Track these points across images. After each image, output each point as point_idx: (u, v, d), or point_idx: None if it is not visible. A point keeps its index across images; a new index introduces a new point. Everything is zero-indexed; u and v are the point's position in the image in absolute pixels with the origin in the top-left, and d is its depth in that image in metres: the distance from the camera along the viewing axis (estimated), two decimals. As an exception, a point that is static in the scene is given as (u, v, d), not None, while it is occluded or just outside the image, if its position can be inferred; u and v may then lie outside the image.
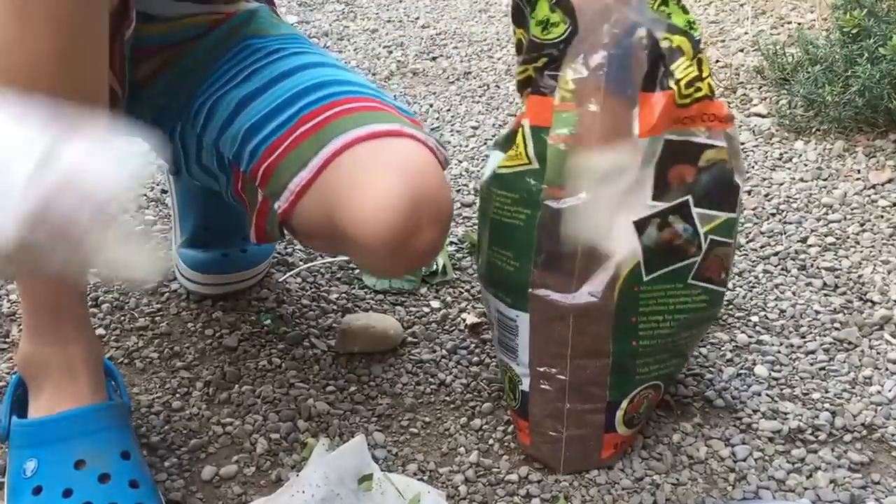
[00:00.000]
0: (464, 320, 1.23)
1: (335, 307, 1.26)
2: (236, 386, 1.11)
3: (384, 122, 0.91)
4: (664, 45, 0.91)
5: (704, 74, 0.93)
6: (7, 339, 1.18)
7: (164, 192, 1.52)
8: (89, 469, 0.89)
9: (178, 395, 1.10)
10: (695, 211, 0.93)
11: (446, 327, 1.22)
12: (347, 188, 0.87)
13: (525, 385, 0.99)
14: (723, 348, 1.18)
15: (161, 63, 1.06)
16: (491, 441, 1.04)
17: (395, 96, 1.92)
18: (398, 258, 0.87)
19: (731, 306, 1.25)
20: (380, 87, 1.03)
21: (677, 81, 0.90)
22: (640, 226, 0.92)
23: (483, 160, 1.65)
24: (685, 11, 0.94)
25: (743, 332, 1.21)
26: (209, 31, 1.06)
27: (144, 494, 0.89)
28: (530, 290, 0.95)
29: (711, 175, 0.94)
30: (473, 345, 1.19)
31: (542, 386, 0.98)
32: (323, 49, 1.09)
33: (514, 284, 0.97)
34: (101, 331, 1.19)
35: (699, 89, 0.92)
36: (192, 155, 1.06)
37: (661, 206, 0.92)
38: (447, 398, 1.10)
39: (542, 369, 0.97)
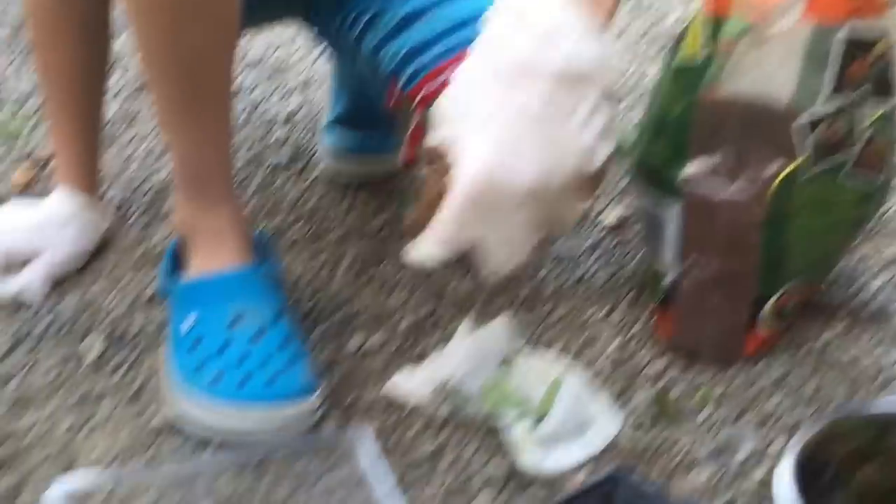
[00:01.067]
0: (604, 219, 1.22)
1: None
2: (381, 266, 1.13)
3: None
4: None
5: None
6: (162, 210, 1.23)
7: (306, 83, 1.54)
8: (244, 326, 0.93)
9: (324, 272, 1.13)
10: (864, 105, 0.90)
11: (586, 225, 1.22)
12: None
13: (670, 278, 0.98)
14: (874, 259, 1.15)
15: None
16: (631, 333, 1.04)
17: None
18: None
19: (883, 218, 1.21)
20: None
21: None
22: (813, 126, 0.90)
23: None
24: None
25: None
26: None
27: (296, 353, 0.92)
28: (681, 182, 0.94)
29: (879, 67, 0.91)
30: (614, 244, 1.19)
31: (688, 280, 0.97)
32: None
33: (665, 177, 0.96)
34: (248, 209, 1.23)
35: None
36: (347, 55, 1.07)
37: (835, 104, 0.90)
38: (587, 290, 1.11)
39: (688, 262, 0.96)
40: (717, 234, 0.94)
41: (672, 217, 0.96)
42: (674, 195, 0.95)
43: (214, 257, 0.97)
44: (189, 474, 0.67)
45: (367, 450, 0.72)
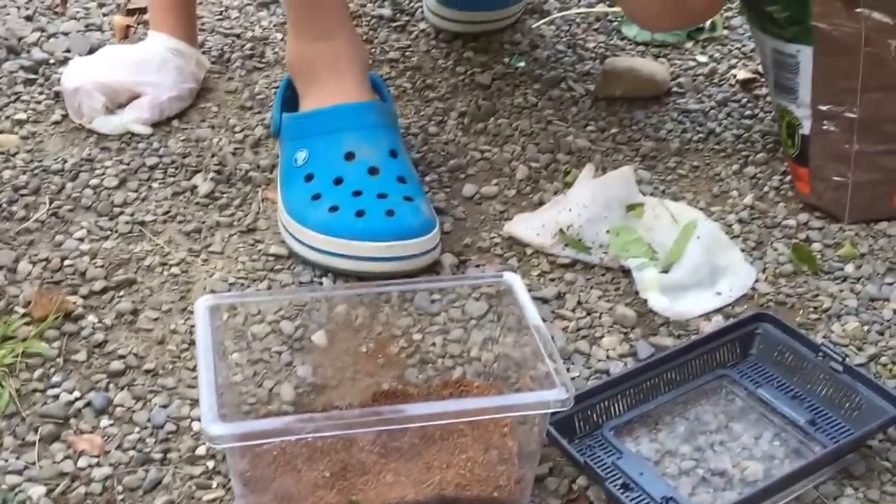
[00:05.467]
0: (734, 76, 1.15)
1: (593, 55, 1.19)
2: (492, 119, 1.08)
3: None
4: None
5: None
6: (263, 60, 1.18)
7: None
8: (359, 161, 0.88)
9: (433, 123, 1.08)
10: None
11: (715, 80, 1.15)
12: None
13: (806, 128, 0.92)
14: None
15: None
16: (766, 189, 0.98)
17: None
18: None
19: None
20: None
21: None
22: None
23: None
24: None
25: None
26: None
27: (412, 190, 0.88)
28: (812, 21, 0.87)
29: None
30: (745, 99, 1.11)
31: (826, 127, 0.90)
32: None
33: (794, 16, 0.89)
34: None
35: None
36: None
37: None
38: (717, 147, 1.04)
39: (825, 108, 0.89)
40: (857, 75, 0.87)
41: (805, 59, 0.89)
42: (805, 34, 0.88)
43: (331, 91, 0.92)
44: (313, 298, 0.65)
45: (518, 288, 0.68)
